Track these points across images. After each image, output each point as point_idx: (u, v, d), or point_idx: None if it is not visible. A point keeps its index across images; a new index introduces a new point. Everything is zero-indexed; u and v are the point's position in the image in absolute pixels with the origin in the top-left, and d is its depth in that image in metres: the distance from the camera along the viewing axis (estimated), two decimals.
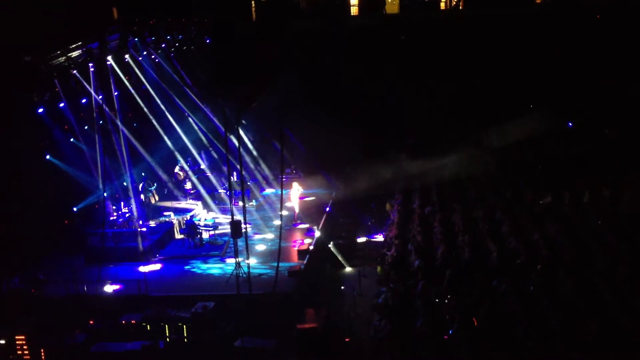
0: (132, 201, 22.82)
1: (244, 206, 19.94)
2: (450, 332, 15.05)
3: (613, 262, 18.16)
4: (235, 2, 32.59)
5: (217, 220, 23.99)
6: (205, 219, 23.74)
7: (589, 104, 30.48)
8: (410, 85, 31.11)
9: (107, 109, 21.92)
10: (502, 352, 14.50)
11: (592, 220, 21.78)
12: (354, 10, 33.86)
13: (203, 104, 26.39)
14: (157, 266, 20.96)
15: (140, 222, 22.67)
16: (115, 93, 22.81)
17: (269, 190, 28.03)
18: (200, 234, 22.78)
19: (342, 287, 19.78)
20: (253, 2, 33.94)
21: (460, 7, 33.14)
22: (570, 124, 31.69)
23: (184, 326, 17.03)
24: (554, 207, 23.65)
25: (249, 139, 28.25)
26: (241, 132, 24.11)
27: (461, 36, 31.16)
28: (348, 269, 21.62)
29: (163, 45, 26.37)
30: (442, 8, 33.56)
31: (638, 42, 29.23)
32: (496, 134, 29.06)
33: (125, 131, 22.58)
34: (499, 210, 23.28)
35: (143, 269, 20.35)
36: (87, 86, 21.60)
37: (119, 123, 22.33)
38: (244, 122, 24.72)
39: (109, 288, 19.02)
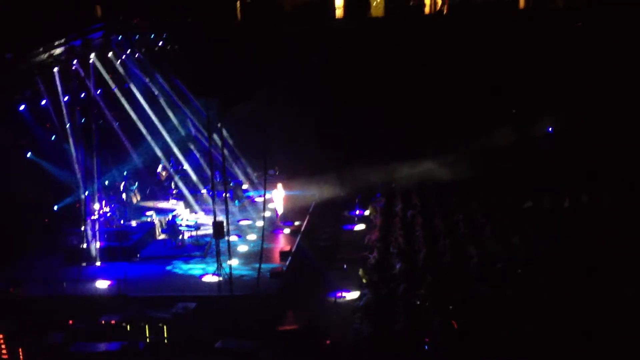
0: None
1: (226, 207, 19.87)
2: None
3: (592, 267, 18.36)
4: (220, 2, 32.52)
5: (199, 221, 23.88)
6: (187, 220, 23.62)
7: (569, 110, 30.76)
8: (394, 89, 31.17)
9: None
10: (481, 356, 14.60)
11: (571, 226, 22.00)
12: (339, 13, 33.85)
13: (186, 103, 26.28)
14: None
15: (122, 222, 22.55)
16: (98, 91, 22.60)
17: (252, 192, 27.97)
18: (182, 234, 22.66)
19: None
20: (238, 3, 33.83)
21: (445, 12, 33.30)
22: (550, 130, 31.97)
23: (164, 327, 16.92)
24: (534, 212, 23.85)
25: (232, 139, 28.14)
26: (224, 132, 24.01)
27: (445, 41, 31.32)
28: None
29: (146, 44, 26.26)
30: (426, 12, 33.67)
31: (616, 49, 29.58)
32: (478, 138, 29.23)
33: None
34: (480, 214, 23.43)
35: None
36: (64, 85, 21.37)
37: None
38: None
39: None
